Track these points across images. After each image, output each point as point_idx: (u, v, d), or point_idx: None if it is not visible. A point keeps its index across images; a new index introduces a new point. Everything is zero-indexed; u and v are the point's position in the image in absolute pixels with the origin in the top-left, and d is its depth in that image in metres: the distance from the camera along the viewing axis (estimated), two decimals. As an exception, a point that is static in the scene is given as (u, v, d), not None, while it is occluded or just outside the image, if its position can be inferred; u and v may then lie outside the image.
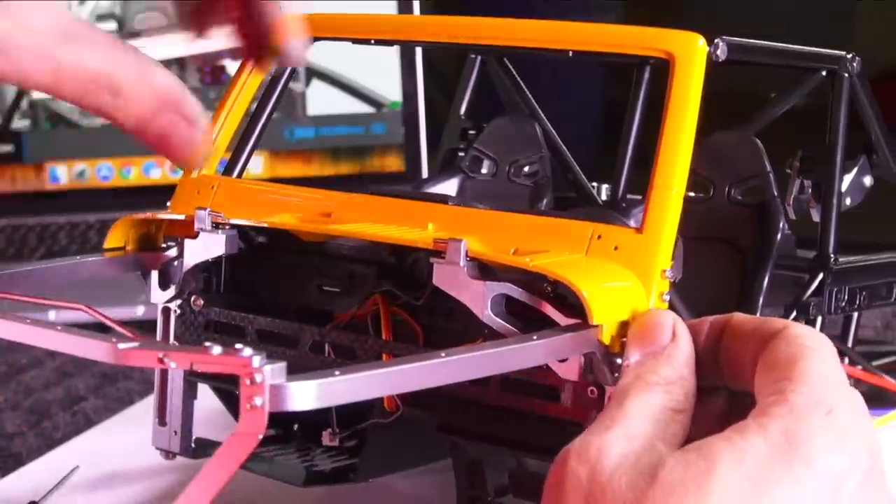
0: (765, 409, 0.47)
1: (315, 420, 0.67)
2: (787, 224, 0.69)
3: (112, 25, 1.30)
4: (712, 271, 0.67)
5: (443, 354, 0.49)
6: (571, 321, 0.54)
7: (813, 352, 0.48)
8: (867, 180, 0.75)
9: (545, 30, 0.64)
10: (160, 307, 0.68)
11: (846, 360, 0.83)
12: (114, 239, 0.66)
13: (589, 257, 0.56)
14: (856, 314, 0.79)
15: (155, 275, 0.67)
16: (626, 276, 0.55)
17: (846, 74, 0.69)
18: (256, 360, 0.43)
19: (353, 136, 1.32)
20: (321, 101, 1.31)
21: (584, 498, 0.45)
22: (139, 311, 1.06)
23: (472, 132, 0.80)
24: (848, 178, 0.74)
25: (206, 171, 0.68)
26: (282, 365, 0.43)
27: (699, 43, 0.59)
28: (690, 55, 0.58)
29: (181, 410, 0.67)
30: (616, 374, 0.53)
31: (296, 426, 0.70)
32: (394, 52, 1.26)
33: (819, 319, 0.68)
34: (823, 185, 0.70)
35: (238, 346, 0.44)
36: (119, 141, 1.27)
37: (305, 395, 0.44)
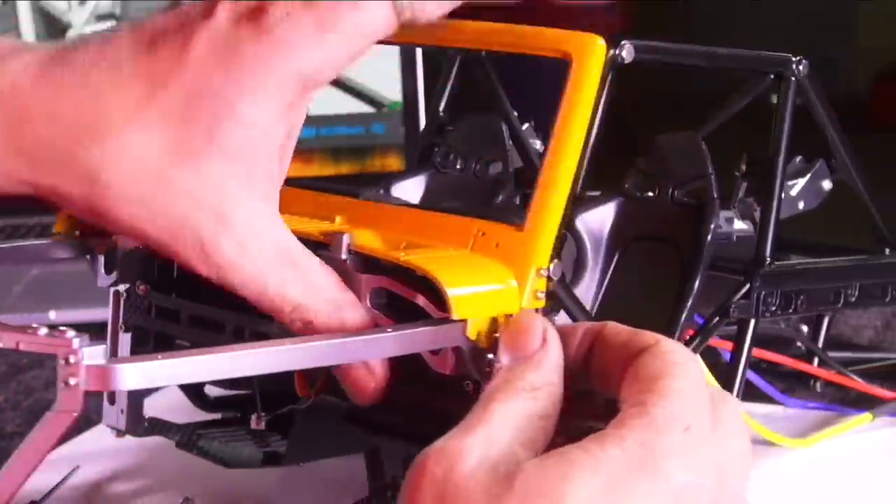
0: (625, 420, 0.47)
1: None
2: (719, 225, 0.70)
3: (111, 25, 1.30)
4: (655, 271, 0.67)
5: (287, 343, 0.51)
6: (443, 315, 0.55)
7: (679, 368, 0.49)
8: (826, 184, 0.77)
9: (468, 31, 0.65)
10: (111, 291, 0.68)
11: (815, 360, 0.85)
12: (63, 224, 0.66)
13: (472, 253, 0.57)
14: (828, 315, 0.86)
15: (101, 259, 0.67)
16: (500, 272, 0.56)
17: (792, 78, 0.70)
18: (76, 343, 0.46)
19: (353, 136, 1.31)
20: (321, 101, 1.30)
21: (439, 499, 0.45)
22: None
23: (449, 128, 0.81)
24: (801, 182, 0.75)
25: None
26: (100, 347, 0.46)
27: (597, 44, 0.60)
28: (587, 56, 0.59)
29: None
30: (488, 370, 0.54)
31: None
32: (394, 52, 1.26)
33: (752, 322, 0.69)
34: (762, 188, 0.71)
35: (63, 328, 0.46)
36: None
37: (120, 376, 0.47)
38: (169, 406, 0.73)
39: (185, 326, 0.66)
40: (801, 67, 0.70)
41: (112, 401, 0.70)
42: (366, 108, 1.31)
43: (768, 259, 0.69)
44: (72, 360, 0.46)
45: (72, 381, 0.46)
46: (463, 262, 0.57)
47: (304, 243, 0.58)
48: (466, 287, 0.55)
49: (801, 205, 0.75)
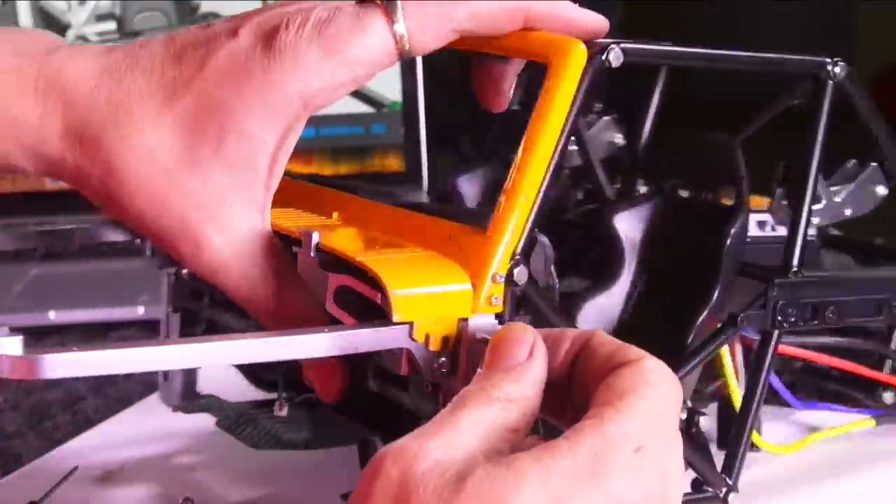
0: (579, 430, 0.47)
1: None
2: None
3: (112, 25, 1.30)
4: (682, 273, 0.67)
5: (217, 339, 0.53)
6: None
7: (650, 388, 0.49)
8: (880, 190, 0.73)
9: None
10: (164, 273, 0.72)
11: (888, 365, 0.79)
12: None
13: (435, 255, 0.57)
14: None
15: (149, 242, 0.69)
16: (456, 275, 0.56)
17: (830, 81, 0.67)
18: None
19: (353, 136, 1.31)
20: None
21: (391, 499, 0.46)
22: (140, 311, 1.06)
23: None
24: (849, 188, 0.72)
25: None
26: (17, 339, 0.49)
27: (576, 48, 0.58)
28: (563, 60, 0.58)
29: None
30: (442, 372, 0.55)
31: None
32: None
33: (775, 333, 0.67)
34: (793, 194, 0.69)
35: None
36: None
37: (34, 367, 0.49)
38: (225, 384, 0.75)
39: (221, 310, 0.68)
40: (837, 69, 0.67)
41: (166, 377, 0.74)
42: (366, 108, 1.30)
43: (794, 267, 0.67)
44: None
45: None
46: (417, 264, 0.56)
47: (283, 239, 0.60)
48: (412, 288, 0.54)
49: (847, 211, 0.72)
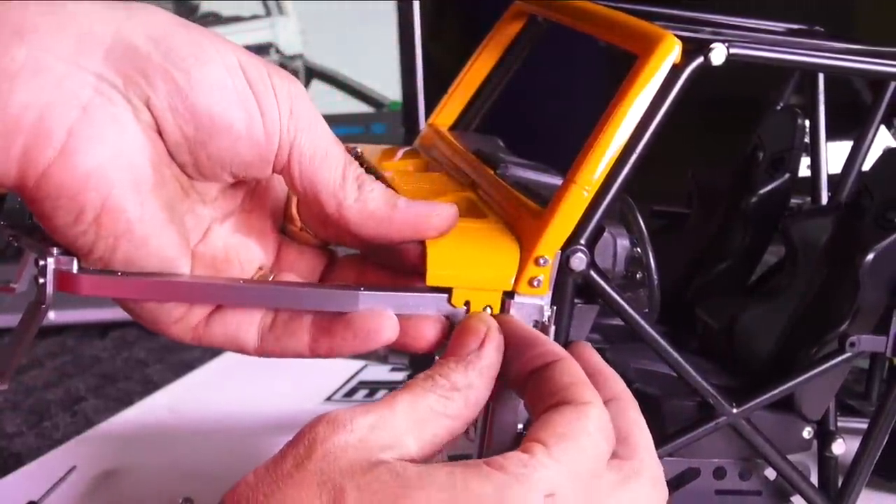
0: (503, 461, 0.47)
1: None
2: None
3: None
4: (833, 289, 0.65)
5: (254, 283, 0.56)
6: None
7: (587, 439, 0.49)
8: None
9: (569, 9, 0.65)
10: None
11: None
12: None
13: (502, 228, 0.57)
14: None
15: None
16: (503, 250, 0.56)
17: None
18: (54, 251, 0.53)
19: (353, 136, 1.31)
20: (321, 101, 1.31)
21: (309, 457, 0.47)
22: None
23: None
24: None
25: None
26: (71, 258, 0.53)
27: (668, 43, 0.57)
28: (652, 54, 0.57)
29: None
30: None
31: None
32: (394, 52, 1.26)
33: (886, 364, 0.65)
34: None
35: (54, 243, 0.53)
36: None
37: (80, 282, 0.53)
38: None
39: None
40: None
41: None
42: (366, 108, 1.31)
43: None
44: (40, 263, 0.53)
45: (41, 280, 0.54)
46: (472, 233, 0.56)
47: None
48: (451, 253, 0.55)
49: None
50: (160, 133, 0.52)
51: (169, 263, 0.54)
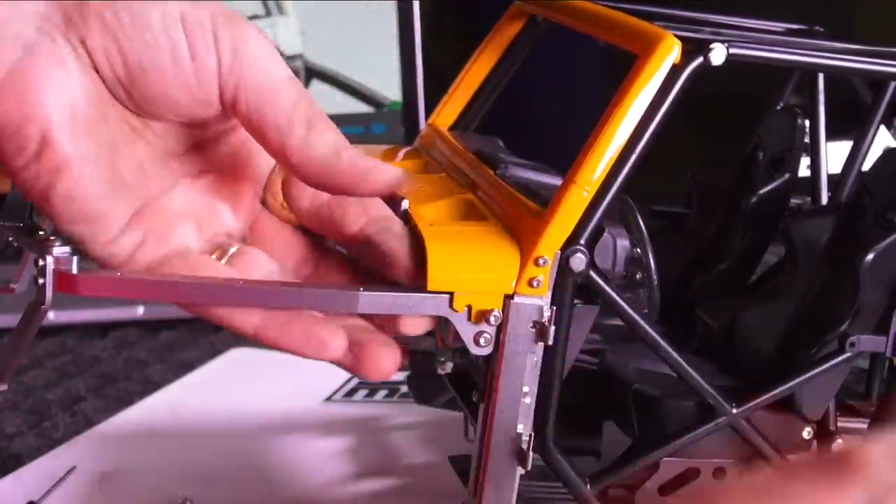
0: None
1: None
2: None
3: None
4: (832, 289, 0.64)
5: (254, 282, 0.55)
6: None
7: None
8: None
9: (570, 9, 0.66)
10: None
11: None
12: None
13: (500, 231, 0.57)
14: None
15: None
16: (503, 252, 0.56)
17: None
18: (55, 251, 0.53)
19: (353, 136, 1.31)
20: (321, 101, 1.30)
21: None
22: (139, 311, 1.06)
23: None
24: None
25: None
26: (71, 258, 0.53)
27: (667, 43, 0.57)
28: (651, 54, 0.56)
29: None
30: (482, 345, 0.55)
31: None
32: (394, 52, 1.26)
33: (886, 364, 0.64)
34: None
35: (54, 238, 0.54)
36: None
37: (79, 283, 0.53)
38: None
39: None
40: None
41: None
42: (366, 108, 1.31)
43: None
44: (40, 262, 0.53)
45: (40, 281, 0.54)
46: (471, 236, 0.57)
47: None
48: (451, 257, 0.55)
49: None
50: (98, 72, 0.54)
51: (106, 201, 0.55)
